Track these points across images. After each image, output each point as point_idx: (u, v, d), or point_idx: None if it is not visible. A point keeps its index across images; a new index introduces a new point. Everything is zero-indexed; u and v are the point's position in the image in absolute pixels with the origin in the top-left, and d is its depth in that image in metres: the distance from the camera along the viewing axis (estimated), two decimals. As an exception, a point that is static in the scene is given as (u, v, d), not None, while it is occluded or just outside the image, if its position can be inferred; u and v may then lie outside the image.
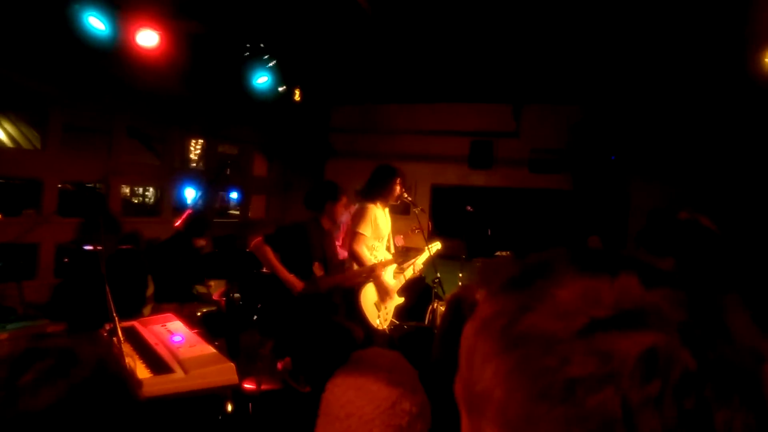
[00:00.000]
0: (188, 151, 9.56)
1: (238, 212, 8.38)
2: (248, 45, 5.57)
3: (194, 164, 9.28)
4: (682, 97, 6.36)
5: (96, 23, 4.17)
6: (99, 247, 4.97)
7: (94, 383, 0.88)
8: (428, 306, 6.73)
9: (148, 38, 4.48)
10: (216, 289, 5.64)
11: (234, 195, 8.28)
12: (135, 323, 3.53)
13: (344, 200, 4.38)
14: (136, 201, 10.32)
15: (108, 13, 4.22)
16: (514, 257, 7.14)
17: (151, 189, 12.02)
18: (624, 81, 6.23)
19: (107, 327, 3.42)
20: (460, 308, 1.93)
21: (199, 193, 6.72)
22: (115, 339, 2.74)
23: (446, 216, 7.17)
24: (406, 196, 4.64)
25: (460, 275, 6.83)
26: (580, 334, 0.41)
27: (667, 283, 0.44)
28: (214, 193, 7.57)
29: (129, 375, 0.95)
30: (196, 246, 5.33)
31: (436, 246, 4.84)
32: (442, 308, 6.65)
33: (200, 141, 11.05)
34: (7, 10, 4.13)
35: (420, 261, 4.69)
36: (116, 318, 2.78)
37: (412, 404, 1.18)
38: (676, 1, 4.56)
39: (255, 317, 4.35)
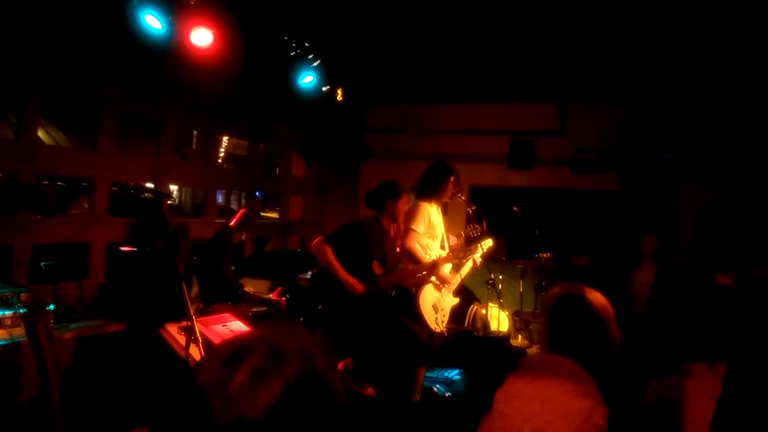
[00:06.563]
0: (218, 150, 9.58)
1: (274, 214, 8.32)
2: (294, 44, 5.53)
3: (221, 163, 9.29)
4: (732, 95, 6.20)
5: (153, 22, 4.16)
6: (135, 249, 4.99)
7: (305, 382, 0.80)
8: (468, 308, 6.66)
9: (202, 37, 4.45)
10: (254, 289, 5.61)
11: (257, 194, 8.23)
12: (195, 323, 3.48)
13: (405, 198, 4.30)
14: (170, 202, 10.37)
15: (164, 12, 4.20)
16: (556, 259, 7.02)
17: (183, 190, 12.09)
18: (674, 78, 6.09)
19: (168, 327, 3.40)
20: (572, 307, 1.84)
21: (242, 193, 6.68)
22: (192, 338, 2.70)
23: (485, 217, 7.05)
24: (460, 195, 4.56)
25: (501, 276, 6.73)
26: None
27: None
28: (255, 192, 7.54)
29: (334, 372, 0.87)
30: (236, 241, 5.32)
31: (488, 243, 4.75)
32: (482, 311, 6.58)
33: (233, 140, 11.12)
34: (65, 7, 4.14)
35: (477, 257, 4.59)
36: (194, 317, 2.74)
37: (601, 417, 1.09)
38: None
39: (310, 315, 4.30)
